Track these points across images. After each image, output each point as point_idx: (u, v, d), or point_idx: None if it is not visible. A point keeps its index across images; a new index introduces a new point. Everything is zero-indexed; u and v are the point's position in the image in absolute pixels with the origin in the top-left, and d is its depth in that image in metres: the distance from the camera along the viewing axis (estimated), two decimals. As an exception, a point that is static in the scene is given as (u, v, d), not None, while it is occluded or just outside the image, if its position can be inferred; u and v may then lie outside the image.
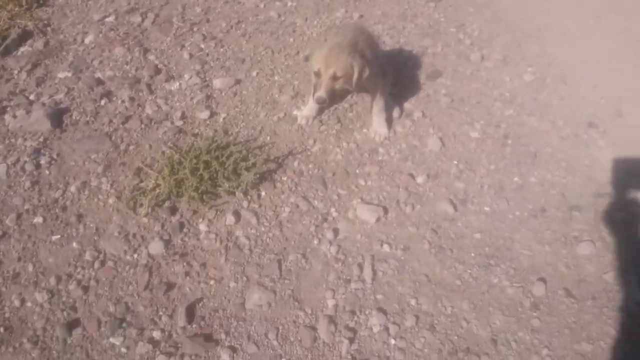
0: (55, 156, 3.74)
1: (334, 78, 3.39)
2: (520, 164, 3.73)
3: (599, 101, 4.21)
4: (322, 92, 3.40)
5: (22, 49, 4.80)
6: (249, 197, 3.50)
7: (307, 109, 4.01)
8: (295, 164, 3.73)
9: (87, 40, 4.88)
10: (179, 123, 4.01)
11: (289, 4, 5.42)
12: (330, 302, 2.98)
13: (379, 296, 3.00)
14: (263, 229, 3.34)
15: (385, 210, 3.42)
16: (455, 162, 3.75)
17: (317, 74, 3.42)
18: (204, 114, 4.06)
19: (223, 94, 4.29)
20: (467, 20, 5.17)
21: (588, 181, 3.61)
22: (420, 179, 3.62)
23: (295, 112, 4.09)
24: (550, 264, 3.13)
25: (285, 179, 3.63)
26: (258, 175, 3.55)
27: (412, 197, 3.52)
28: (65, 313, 2.92)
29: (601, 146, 3.84)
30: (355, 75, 3.41)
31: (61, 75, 4.47)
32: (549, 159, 3.76)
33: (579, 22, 5.07)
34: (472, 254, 3.18)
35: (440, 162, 3.75)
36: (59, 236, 3.26)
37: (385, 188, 3.58)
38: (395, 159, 3.78)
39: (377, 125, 3.93)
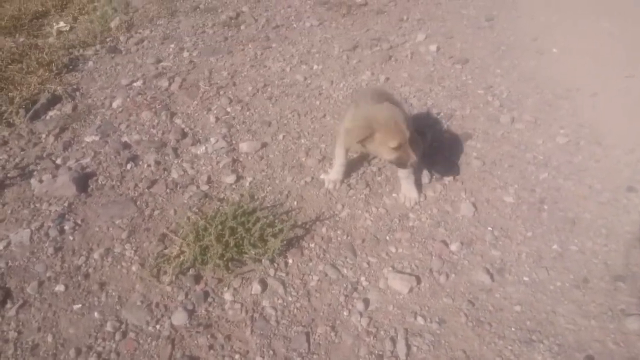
0: (79, 221, 3.68)
1: (410, 141, 3.40)
2: (558, 230, 3.57)
3: (636, 164, 4.07)
4: (413, 156, 3.40)
5: (50, 113, 4.85)
6: (275, 264, 3.38)
7: (333, 173, 3.93)
8: (323, 230, 3.62)
9: (114, 105, 4.92)
10: (205, 187, 3.95)
11: (315, 67, 5.45)
12: (362, 380, 2.80)
13: (414, 374, 2.81)
14: (290, 298, 3.20)
15: (418, 280, 3.26)
16: (490, 228, 3.60)
17: (399, 148, 3.36)
18: (230, 178, 4.00)
19: (249, 157, 4.24)
20: (495, 81, 5.13)
21: (631, 249, 3.43)
22: (453, 247, 3.47)
23: (322, 176, 4.01)
24: (597, 340, 2.92)
25: (313, 245, 3.51)
26: (285, 242, 3.43)
27: (446, 265, 3.37)
28: (83, 389, 2.78)
29: (643, 212, 3.68)
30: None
31: (88, 139, 4.47)
32: (588, 225, 3.60)
33: (609, 82, 5.00)
34: (513, 328, 2.99)
35: (474, 228, 3.61)
36: (81, 305, 3.15)
37: (417, 256, 3.44)
38: (426, 225, 3.65)
39: (407, 189, 3.82)
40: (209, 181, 4.01)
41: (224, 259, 3.30)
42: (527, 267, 3.34)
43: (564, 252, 3.43)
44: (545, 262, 3.36)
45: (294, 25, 6.42)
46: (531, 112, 4.68)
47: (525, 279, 3.27)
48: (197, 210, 3.73)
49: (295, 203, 3.83)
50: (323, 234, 3.59)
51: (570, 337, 2.94)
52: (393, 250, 3.48)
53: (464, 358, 2.86)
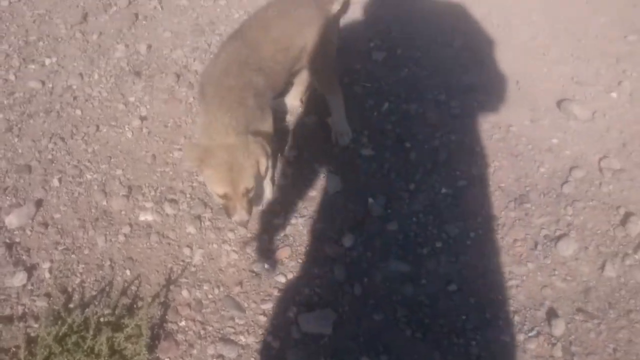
0: None
1: (247, 192, 2.49)
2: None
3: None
4: (243, 215, 2.50)
5: None
6: (151, 378, 2.43)
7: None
8: (185, 293, 2.68)
9: None
10: (-14, 308, 2.67)
11: (48, 61, 4.00)
12: None
13: None
14: (198, 418, 2.32)
15: (339, 314, 2.58)
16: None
17: (225, 197, 2.48)
18: (18, 278, 2.72)
19: (28, 232, 2.96)
20: None
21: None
22: (347, 241, 2.82)
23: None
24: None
25: (183, 324, 2.58)
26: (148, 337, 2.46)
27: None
28: None
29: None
30: (263, 167, 2.54)
31: None
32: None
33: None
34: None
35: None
36: None
37: (311, 271, 2.73)
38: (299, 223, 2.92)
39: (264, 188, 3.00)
40: (-13, 294, 2.73)
41: (76, 412, 2.26)
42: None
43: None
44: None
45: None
46: None
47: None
48: (-4, 351, 2.51)
49: (128, 272, 2.78)
50: (187, 300, 2.66)
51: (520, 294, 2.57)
52: (282, 280, 2.72)
53: None
